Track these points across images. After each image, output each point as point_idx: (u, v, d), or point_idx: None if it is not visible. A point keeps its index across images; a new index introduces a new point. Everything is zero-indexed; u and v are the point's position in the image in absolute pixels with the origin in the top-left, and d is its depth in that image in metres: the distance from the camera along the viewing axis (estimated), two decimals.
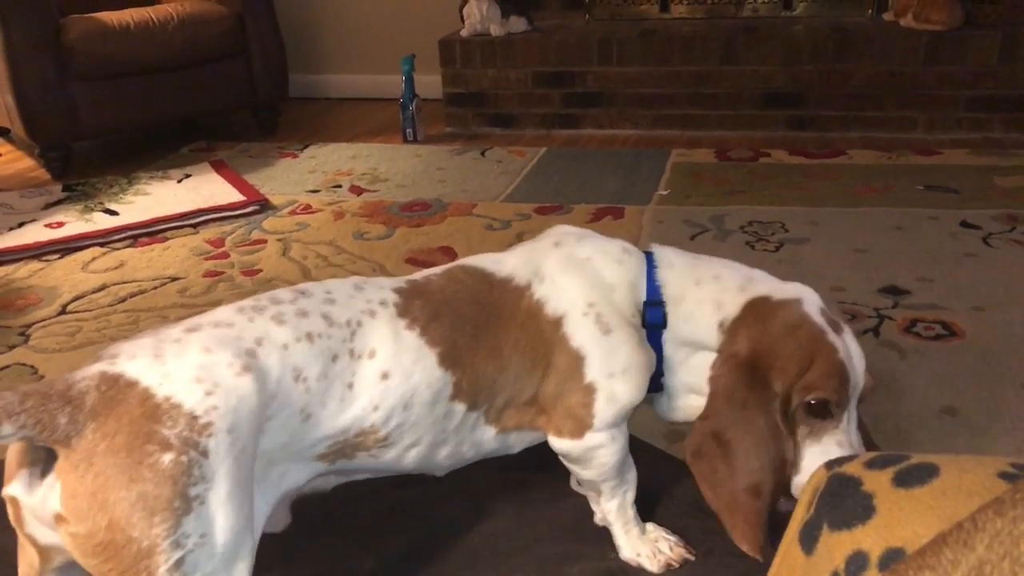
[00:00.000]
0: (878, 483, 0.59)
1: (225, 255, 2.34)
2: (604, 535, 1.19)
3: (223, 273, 2.22)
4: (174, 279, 2.20)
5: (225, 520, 0.83)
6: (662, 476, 1.30)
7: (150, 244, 2.44)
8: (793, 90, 3.16)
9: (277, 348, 0.92)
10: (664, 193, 2.66)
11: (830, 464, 0.64)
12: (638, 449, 1.31)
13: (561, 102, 3.39)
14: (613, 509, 1.15)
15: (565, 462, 1.13)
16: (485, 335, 1.05)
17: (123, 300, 2.09)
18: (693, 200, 2.58)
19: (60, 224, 2.57)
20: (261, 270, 2.23)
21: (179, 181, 2.91)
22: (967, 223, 2.29)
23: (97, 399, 0.82)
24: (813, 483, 0.65)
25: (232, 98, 3.35)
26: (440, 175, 2.96)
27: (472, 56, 3.41)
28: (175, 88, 3.17)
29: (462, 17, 3.47)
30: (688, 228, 2.37)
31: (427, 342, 1.01)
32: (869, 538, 0.56)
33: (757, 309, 1.05)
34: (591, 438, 1.07)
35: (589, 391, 1.05)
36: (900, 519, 0.55)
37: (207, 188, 2.82)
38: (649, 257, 1.13)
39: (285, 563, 1.18)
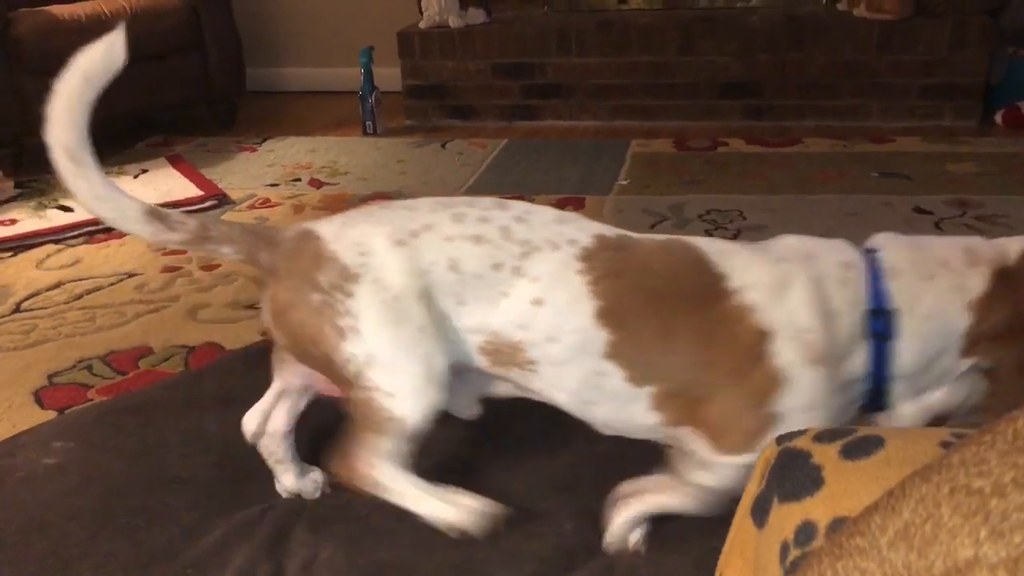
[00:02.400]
0: (826, 455, 0.61)
1: (183, 250, 2.31)
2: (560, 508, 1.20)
3: (181, 268, 2.20)
4: (131, 275, 2.18)
5: (383, 344, 1.03)
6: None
7: (106, 240, 2.40)
8: (750, 80, 3.20)
9: (440, 238, 1.04)
10: (624, 183, 2.68)
11: (780, 439, 0.66)
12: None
13: (521, 93, 3.40)
14: (670, 505, 1.10)
15: (686, 463, 1.08)
16: (664, 312, 1.02)
17: (79, 297, 2.06)
18: (652, 189, 2.61)
19: (13, 221, 2.53)
20: (220, 264, 2.21)
21: (135, 177, 2.87)
22: (920, 208, 2.34)
23: (290, 246, 1.07)
24: (764, 457, 0.67)
25: (188, 92, 3.31)
26: (400, 168, 2.95)
27: (431, 48, 3.40)
28: (129, 82, 3.07)
29: (420, 9, 3.45)
30: (648, 217, 2.39)
31: (592, 291, 1.02)
32: (818, 508, 0.58)
33: (1003, 277, 1.00)
34: (744, 459, 1.01)
35: (769, 419, 1.00)
36: (847, 489, 0.57)
37: (164, 183, 2.78)
38: (872, 260, 1.04)
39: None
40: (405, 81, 3.46)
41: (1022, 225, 2.20)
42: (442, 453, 1.31)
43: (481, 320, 1.04)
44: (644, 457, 1.15)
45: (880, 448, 0.59)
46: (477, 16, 3.43)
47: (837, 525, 0.55)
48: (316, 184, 2.80)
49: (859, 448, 0.60)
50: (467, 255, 1.03)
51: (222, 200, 2.65)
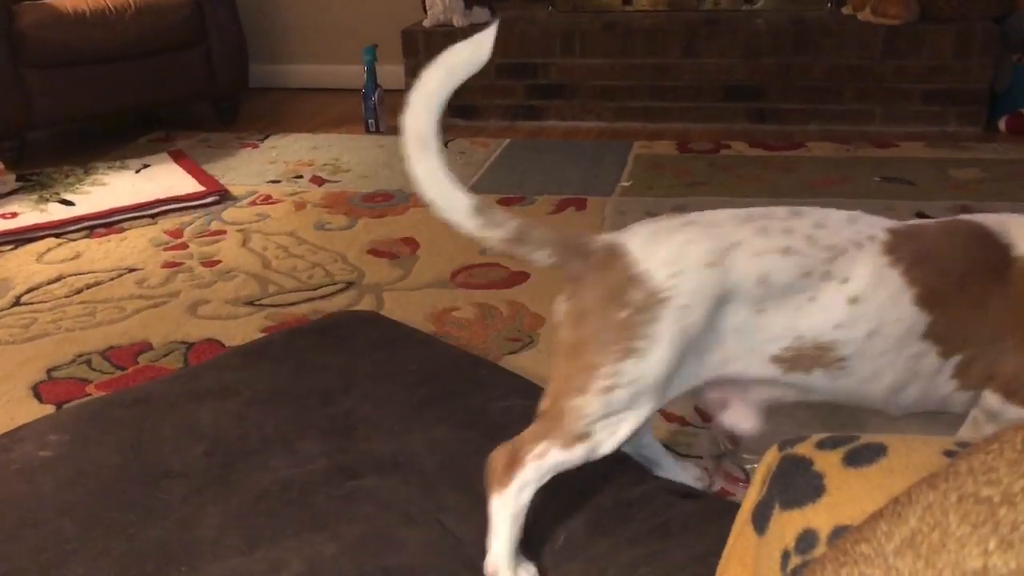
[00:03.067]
0: (828, 463, 0.60)
1: (184, 246, 2.31)
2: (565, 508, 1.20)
3: (182, 264, 2.20)
4: (132, 270, 2.17)
5: (653, 372, 1.03)
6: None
7: (107, 235, 2.40)
8: (753, 83, 3.19)
9: (750, 253, 1.03)
10: (626, 185, 2.68)
11: (782, 445, 0.65)
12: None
13: (524, 93, 3.39)
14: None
15: (978, 416, 1.15)
16: (968, 285, 1.08)
17: (79, 291, 2.06)
18: (655, 191, 2.60)
19: (14, 215, 2.52)
20: (220, 261, 2.21)
21: (137, 171, 2.87)
22: (922, 214, 2.33)
23: (600, 258, 1.06)
24: (765, 463, 0.66)
25: (191, 87, 3.31)
26: (402, 166, 2.92)
27: (435, 47, 3.39)
28: (132, 77, 3.11)
29: (425, 7, 3.45)
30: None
31: (907, 281, 1.05)
32: (819, 516, 0.57)
33: None
34: None
35: None
36: (849, 497, 0.57)
37: (166, 178, 2.78)
38: None
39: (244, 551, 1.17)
40: (408, 80, 3.45)
41: None
42: None
43: (783, 328, 1.06)
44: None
45: (882, 456, 0.59)
46: (481, 15, 3.42)
47: (839, 533, 0.54)
48: (318, 181, 2.80)
49: (862, 456, 0.59)
50: (777, 268, 1.04)
51: (223, 196, 2.64)
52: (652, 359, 1.03)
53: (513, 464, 1.09)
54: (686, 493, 1.21)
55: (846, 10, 3.24)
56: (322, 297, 1.99)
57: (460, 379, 1.48)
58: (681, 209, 2.43)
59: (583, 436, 1.07)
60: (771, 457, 0.65)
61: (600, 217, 2.41)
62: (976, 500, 0.39)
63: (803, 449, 0.63)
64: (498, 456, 1.11)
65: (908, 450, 0.58)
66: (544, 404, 1.09)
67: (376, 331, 1.66)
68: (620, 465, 1.26)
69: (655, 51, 3.24)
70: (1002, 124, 3.02)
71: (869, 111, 3.13)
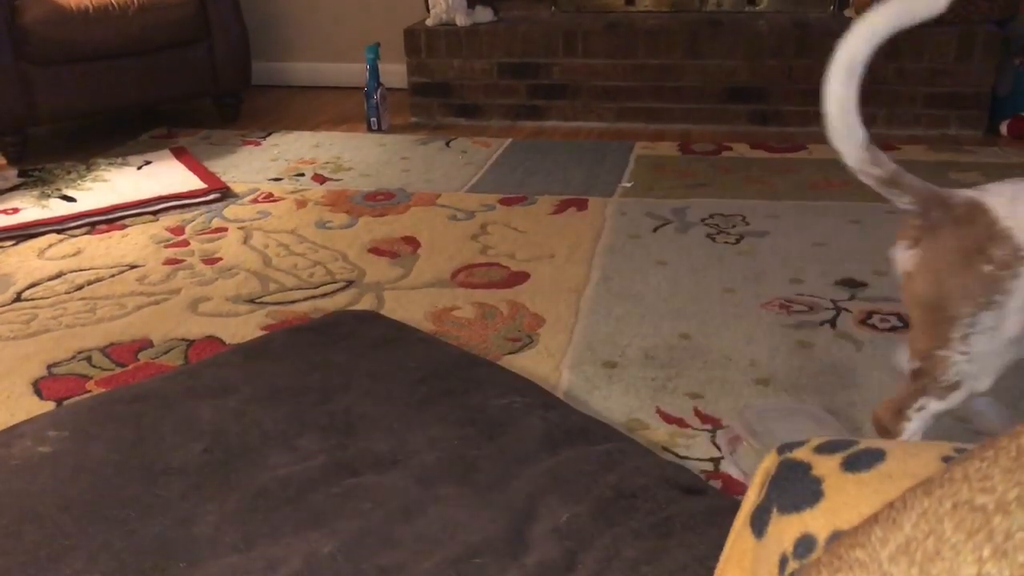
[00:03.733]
0: (827, 467, 0.60)
1: (185, 243, 2.31)
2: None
3: (183, 261, 2.20)
4: (133, 267, 2.17)
5: (1011, 324, 1.10)
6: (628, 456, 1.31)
7: (108, 231, 2.40)
8: (756, 84, 3.19)
9: None
10: (628, 185, 2.67)
11: (781, 449, 0.65)
12: (611, 436, 1.32)
13: (526, 93, 3.39)
14: None
15: None
16: None
17: (80, 287, 2.06)
18: (656, 192, 2.60)
19: (15, 210, 2.52)
20: (222, 258, 2.21)
21: (139, 168, 2.87)
22: None
23: (961, 212, 1.12)
24: (764, 467, 0.67)
25: (193, 85, 3.31)
26: (404, 164, 2.95)
27: (437, 46, 3.40)
28: (135, 74, 3.11)
29: (427, 6, 3.45)
30: (651, 220, 2.38)
31: None
32: (817, 521, 0.57)
33: None
34: None
35: None
36: (847, 502, 0.57)
37: (167, 175, 2.78)
38: None
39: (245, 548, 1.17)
40: (411, 78, 3.46)
41: None
42: None
43: None
44: None
45: (881, 461, 0.59)
46: (484, 15, 3.42)
47: (837, 538, 0.54)
48: (319, 180, 2.80)
49: (860, 461, 0.59)
50: None
51: (225, 194, 2.64)
52: (1009, 312, 1.11)
53: (898, 418, 1.21)
54: (689, 488, 1.21)
55: (848, 12, 3.24)
56: (323, 295, 2.00)
57: (459, 378, 1.48)
58: (681, 211, 2.43)
59: (955, 385, 1.17)
60: (770, 461, 0.65)
61: (601, 217, 2.41)
62: (971, 508, 0.39)
63: (802, 453, 0.63)
64: (883, 413, 1.23)
65: (906, 456, 0.58)
66: (913, 363, 1.19)
67: (376, 330, 1.67)
68: (622, 454, 1.26)
69: (658, 52, 3.23)
70: (1004, 128, 3.02)
71: (871, 113, 3.13)
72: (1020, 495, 0.39)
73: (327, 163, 2.97)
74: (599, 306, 1.91)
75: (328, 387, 1.46)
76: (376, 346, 1.59)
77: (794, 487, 0.61)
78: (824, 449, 0.63)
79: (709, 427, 1.46)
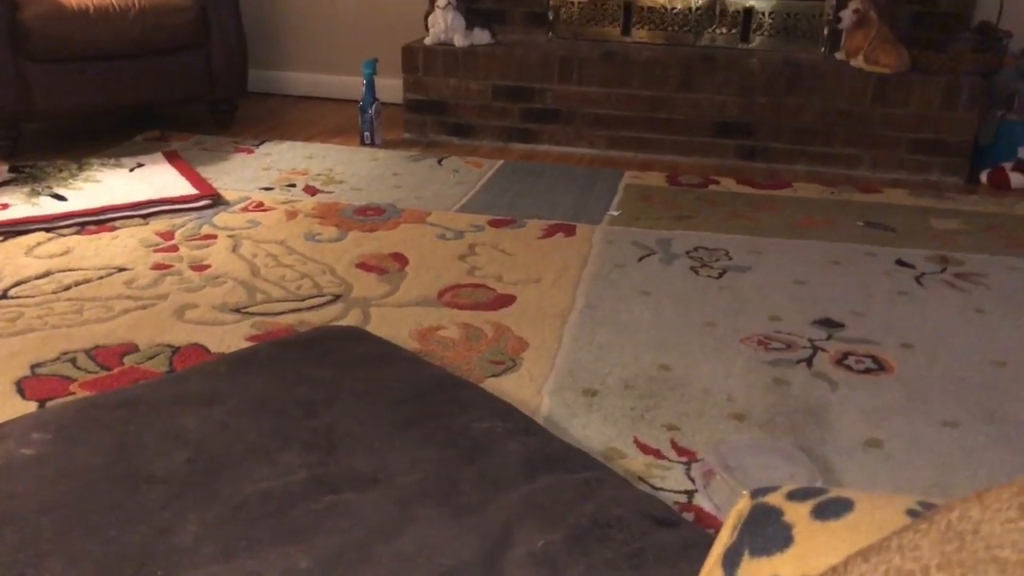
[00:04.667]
0: (797, 514, 0.63)
1: (174, 248, 2.33)
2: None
3: (171, 267, 2.21)
4: (121, 269, 2.18)
5: None
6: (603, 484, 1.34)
7: (98, 232, 2.41)
8: (745, 120, 3.24)
9: None
10: (615, 214, 2.71)
11: (754, 493, 0.68)
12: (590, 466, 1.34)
13: (520, 116, 3.43)
14: None
15: None
16: None
17: (68, 288, 2.07)
18: (642, 222, 2.64)
19: (5, 206, 2.53)
20: (210, 266, 2.22)
21: (131, 170, 2.88)
22: (902, 261, 2.38)
23: None
24: (737, 509, 0.69)
25: (190, 90, 3.32)
26: (396, 180, 2.97)
27: (434, 64, 3.44)
28: (132, 76, 3.13)
29: (427, 25, 3.49)
30: (636, 250, 2.42)
31: None
32: (786, 566, 0.60)
33: None
34: None
35: None
36: (815, 549, 0.59)
37: (159, 179, 2.79)
38: None
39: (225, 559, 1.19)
40: (406, 95, 3.49)
41: (1000, 285, 2.25)
42: None
43: None
44: None
45: (849, 511, 0.62)
46: (482, 37, 3.46)
47: None
48: (311, 191, 2.82)
49: (830, 509, 0.62)
50: None
51: (216, 200, 2.66)
52: None
53: None
54: (663, 520, 1.23)
55: (839, 55, 3.31)
56: (309, 308, 2.01)
57: (443, 399, 1.51)
58: (666, 242, 2.47)
59: None
60: (743, 504, 0.68)
61: (588, 244, 2.44)
62: (899, 573, 0.43)
63: (774, 499, 0.65)
64: None
65: (873, 507, 0.61)
66: None
67: (362, 347, 1.69)
68: (599, 483, 1.29)
69: (651, 83, 3.29)
70: (984, 177, 3.08)
71: (856, 156, 3.19)
72: (940, 563, 0.42)
73: (319, 175, 2.99)
74: (582, 333, 1.94)
75: (312, 402, 1.48)
76: (361, 363, 1.61)
77: (766, 531, 0.63)
78: (796, 496, 0.66)
79: (684, 459, 1.49)
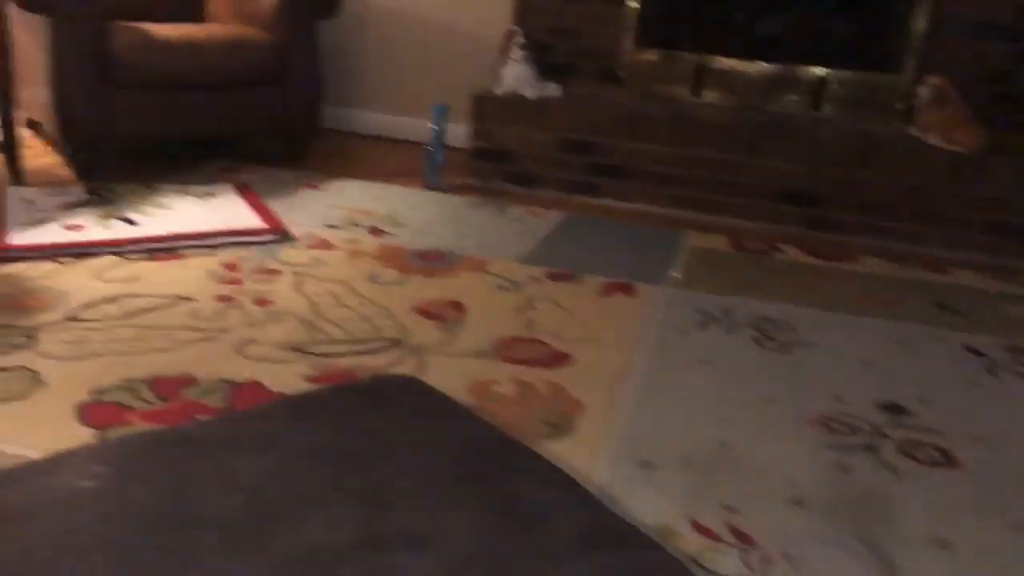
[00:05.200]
0: None
1: (239, 280, 2.36)
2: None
3: (235, 299, 2.24)
4: (186, 299, 2.21)
5: None
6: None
7: (167, 260, 2.45)
8: (812, 189, 3.20)
9: None
10: (677, 276, 2.68)
11: None
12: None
13: (584, 170, 3.44)
14: None
15: None
16: None
17: (134, 315, 2.10)
18: (704, 286, 2.61)
19: (79, 227, 2.59)
20: (272, 301, 2.24)
21: (201, 199, 2.93)
22: (973, 349, 2.31)
23: None
24: None
25: (264, 123, 3.39)
26: (458, 227, 2.98)
27: (503, 114, 3.46)
28: (210, 106, 3.21)
29: (499, 75, 3.52)
30: (698, 316, 2.39)
31: None
32: None
33: None
34: None
35: None
36: None
37: (228, 209, 2.84)
38: None
39: None
40: (473, 142, 3.52)
41: None
42: None
43: None
44: None
45: None
46: (552, 90, 3.49)
47: None
48: (376, 232, 2.84)
49: None
50: None
51: (283, 235, 2.69)
52: None
53: None
54: None
55: (913, 130, 3.26)
56: (367, 352, 2.02)
57: (499, 462, 1.48)
58: (729, 309, 2.43)
59: None
60: None
61: (648, 306, 2.42)
62: None
63: None
64: None
65: None
66: None
67: (419, 399, 1.68)
68: (655, 566, 1.25)
69: (718, 145, 3.27)
70: None
71: (926, 234, 3.13)
72: None
73: (385, 216, 3.01)
74: (640, 400, 1.91)
75: (368, 455, 1.47)
76: (418, 417, 1.60)
77: None
78: None
79: (743, 544, 1.45)
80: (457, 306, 2.32)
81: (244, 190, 3.06)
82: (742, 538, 1.47)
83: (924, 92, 3.15)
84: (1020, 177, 3.00)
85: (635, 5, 3.61)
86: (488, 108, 3.48)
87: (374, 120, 4.22)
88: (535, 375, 1.98)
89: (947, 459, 1.77)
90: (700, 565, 1.39)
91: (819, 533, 1.48)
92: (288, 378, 1.86)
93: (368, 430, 1.55)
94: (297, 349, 2.00)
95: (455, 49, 4.00)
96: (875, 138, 3.19)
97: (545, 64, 3.58)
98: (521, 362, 2.04)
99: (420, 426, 1.58)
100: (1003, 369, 2.21)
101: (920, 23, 3.33)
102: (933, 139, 3.12)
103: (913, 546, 1.49)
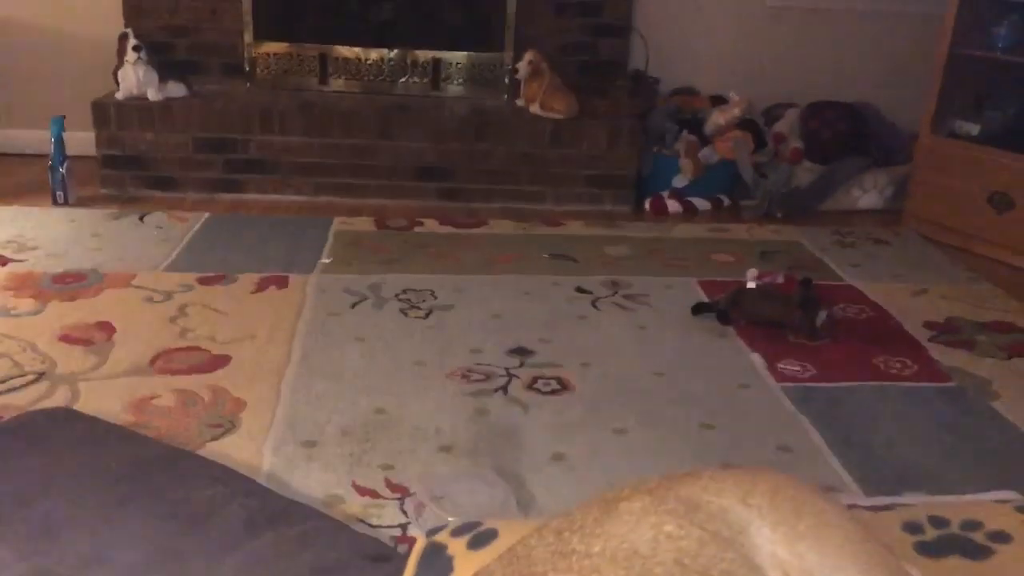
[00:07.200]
0: (457, 548, 0.82)
1: None
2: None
3: None
4: None
5: None
6: None
7: None
8: (443, 164, 3.50)
9: None
10: (327, 261, 2.83)
11: (429, 532, 0.86)
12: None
13: (223, 167, 3.45)
14: None
15: None
16: None
17: None
18: (354, 268, 2.78)
19: None
20: None
21: None
22: (581, 288, 2.72)
23: None
24: (418, 547, 0.87)
25: None
26: (96, 242, 2.89)
27: (129, 119, 3.36)
28: None
29: (116, 80, 3.41)
30: (349, 297, 2.56)
31: None
32: None
33: None
34: None
35: None
36: (468, 573, 0.78)
37: None
38: None
39: None
40: (100, 150, 3.38)
41: (661, 303, 2.64)
42: None
43: None
44: None
45: (495, 539, 0.81)
46: (177, 90, 3.45)
47: None
48: (1, 261, 2.67)
49: (480, 540, 0.82)
50: None
51: None
52: None
53: None
54: (377, 557, 1.38)
55: (519, 102, 3.67)
56: (11, 390, 1.95)
57: (162, 472, 1.56)
58: (376, 286, 2.64)
59: None
60: (420, 543, 0.86)
61: (302, 295, 2.55)
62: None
63: (442, 536, 0.84)
64: None
65: (511, 533, 0.81)
66: None
67: (73, 429, 1.69)
68: (317, 532, 1.41)
69: (351, 132, 3.45)
70: (647, 205, 3.57)
71: (541, 192, 3.56)
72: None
73: (9, 241, 2.83)
74: (300, 385, 2.05)
75: (24, 493, 1.47)
76: (74, 446, 1.62)
77: (434, 564, 0.81)
78: (457, 532, 0.85)
79: (398, 496, 1.66)
80: (105, 326, 2.29)
81: None
82: (398, 491, 1.68)
83: (522, 67, 3.55)
84: (609, 135, 3.51)
85: None
86: (111, 114, 3.36)
87: None
88: (195, 382, 2.04)
89: (563, 386, 2.12)
90: (365, 523, 1.58)
91: (462, 472, 1.74)
92: None
93: (23, 468, 1.54)
94: None
95: (70, 55, 3.76)
96: (487, 112, 3.55)
97: (166, 63, 3.51)
98: (179, 372, 2.08)
99: (78, 456, 1.60)
100: (603, 301, 2.64)
101: (512, 3, 3.72)
102: (534, 109, 3.55)
103: (538, 464, 1.79)
